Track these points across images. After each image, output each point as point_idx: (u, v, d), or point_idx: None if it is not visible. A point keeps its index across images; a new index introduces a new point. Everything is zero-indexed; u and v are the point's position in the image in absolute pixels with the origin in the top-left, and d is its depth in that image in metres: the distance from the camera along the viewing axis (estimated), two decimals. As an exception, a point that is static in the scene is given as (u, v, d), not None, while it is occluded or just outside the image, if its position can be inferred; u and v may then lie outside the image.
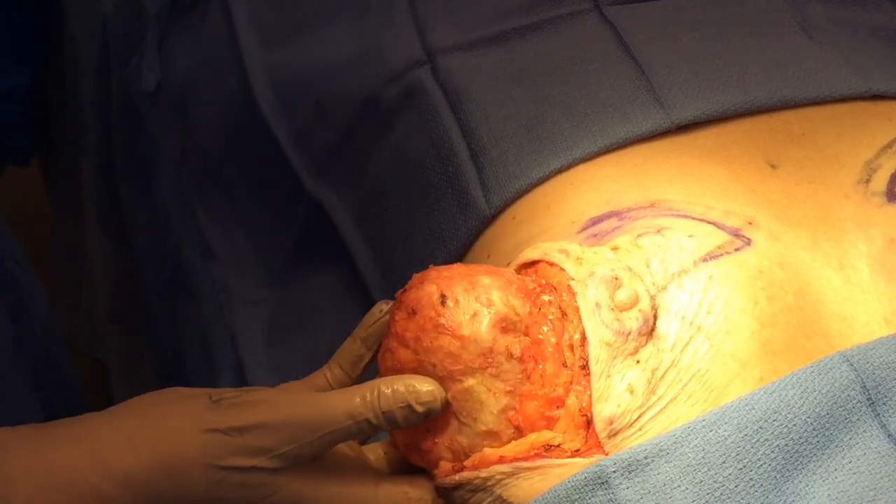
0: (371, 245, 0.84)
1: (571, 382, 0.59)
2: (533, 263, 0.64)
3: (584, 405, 0.59)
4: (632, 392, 0.59)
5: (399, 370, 0.61)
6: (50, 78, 1.28)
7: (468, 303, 0.60)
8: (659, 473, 0.55)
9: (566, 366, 0.60)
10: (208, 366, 0.95)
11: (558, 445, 0.59)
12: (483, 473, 0.59)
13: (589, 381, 0.59)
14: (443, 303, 0.60)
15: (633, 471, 0.55)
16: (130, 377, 1.33)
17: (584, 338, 0.60)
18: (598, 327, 0.60)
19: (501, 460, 0.59)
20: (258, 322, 0.90)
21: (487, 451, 0.60)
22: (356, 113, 0.86)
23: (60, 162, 1.35)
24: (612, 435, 0.58)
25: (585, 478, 0.56)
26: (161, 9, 1.02)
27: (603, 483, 0.55)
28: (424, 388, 0.60)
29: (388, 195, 0.83)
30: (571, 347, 0.60)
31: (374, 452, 0.66)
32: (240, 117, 0.93)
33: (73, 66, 1.21)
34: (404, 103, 0.83)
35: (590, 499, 0.55)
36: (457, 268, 0.62)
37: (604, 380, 0.59)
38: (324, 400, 0.61)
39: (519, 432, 0.59)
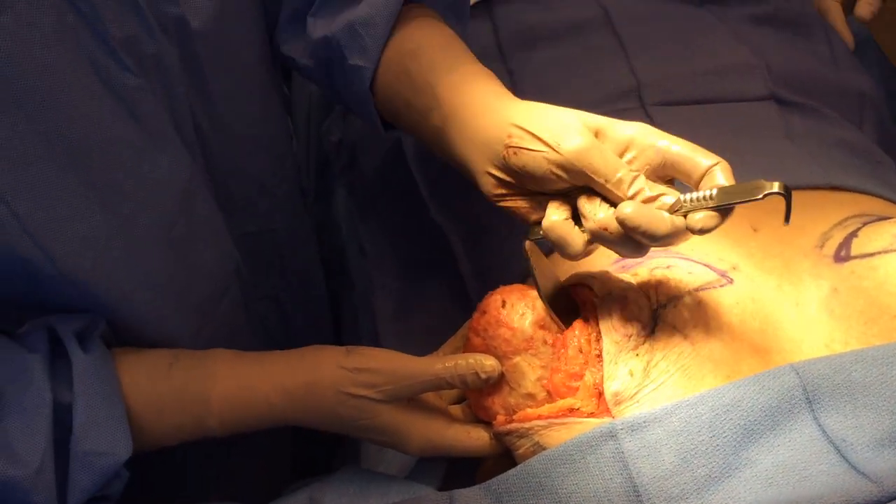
0: (471, 259, 0.84)
1: (587, 364, 0.59)
2: (573, 284, 0.64)
3: (597, 382, 0.59)
4: (631, 375, 0.58)
5: (474, 352, 0.63)
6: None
7: (519, 307, 0.62)
8: (653, 434, 0.55)
9: (582, 352, 0.60)
10: (354, 329, 0.96)
11: (579, 409, 0.59)
12: (526, 425, 0.60)
13: (602, 366, 0.59)
14: (503, 306, 0.62)
15: (634, 430, 0.55)
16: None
17: (599, 335, 0.60)
18: (609, 330, 0.60)
19: (540, 417, 0.60)
20: (390, 303, 0.91)
21: (529, 410, 0.60)
22: None
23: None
24: (617, 404, 0.58)
25: (601, 431, 0.56)
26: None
27: (613, 436, 0.55)
28: (488, 362, 0.61)
29: (486, 226, 0.83)
30: (589, 342, 0.60)
31: (455, 410, 0.66)
32: (392, 165, 0.94)
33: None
34: None
35: (602, 446, 0.55)
36: (516, 286, 0.64)
37: (612, 366, 0.59)
38: (418, 360, 0.62)
39: (550, 396, 0.60)
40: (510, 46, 0.92)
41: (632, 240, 0.55)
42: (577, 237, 0.57)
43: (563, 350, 0.60)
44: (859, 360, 0.56)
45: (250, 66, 0.73)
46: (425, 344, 0.69)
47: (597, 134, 0.58)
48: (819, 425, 0.55)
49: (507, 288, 0.63)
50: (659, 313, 0.60)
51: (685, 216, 0.54)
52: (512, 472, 0.58)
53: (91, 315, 0.61)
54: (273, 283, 0.85)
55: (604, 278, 0.63)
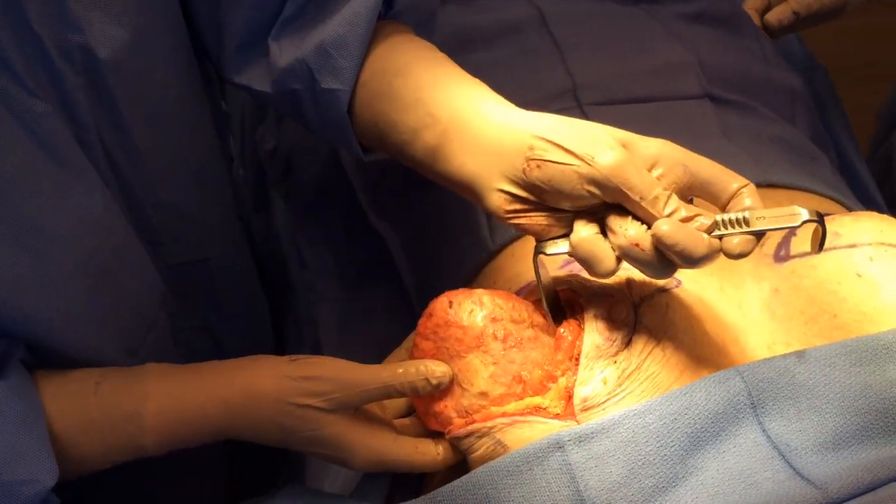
0: (413, 266, 0.82)
1: (566, 370, 0.58)
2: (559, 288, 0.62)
3: (570, 385, 0.57)
4: (605, 383, 0.56)
5: (423, 358, 0.60)
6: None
7: (467, 304, 0.59)
8: (600, 445, 0.53)
9: (571, 358, 0.58)
10: (298, 342, 0.94)
11: (545, 408, 0.57)
12: (489, 423, 0.58)
13: (577, 369, 0.57)
14: (450, 306, 0.60)
15: (582, 441, 0.53)
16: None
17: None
18: (592, 333, 0.57)
19: (504, 414, 0.57)
20: (333, 314, 0.88)
21: (494, 408, 0.58)
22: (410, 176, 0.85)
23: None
24: (584, 410, 0.56)
25: (548, 443, 0.54)
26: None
27: (560, 447, 0.53)
28: (438, 368, 0.59)
29: (427, 233, 0.81)
30: (577, 346, 0.58)
31: (402, 423, 0.64)
32: (329, 171, 0.91)
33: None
34: None
35: (549, 457, 0.53)
36: (461, 289, 0.61)
37: (587, 371, 0.57)
38: (367, 368, 0.60)
39: (524, 389, 0.58)
40: (445, 49, 0.89)
41: (663, 259, 0.52)
42: (609, 253, 0.53)
43: (552, 351, 0.58)
44: (802, 362, 0.55)
45: (172, 93, 0.68)
46: (369, 354, 0.67)
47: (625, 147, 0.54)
48: (763, 430, 0.54)
49: (452, 291, 0.61)
50: (638, 313, 0.58)
51: (719, 239, 0.52)
52: (457, 482, 0.56)
53: (7, 340, 0.57)
54: (204, 313, 0.81)
55: (581, 279, 0.60)
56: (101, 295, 0.62)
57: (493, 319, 0.59)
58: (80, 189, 0.59)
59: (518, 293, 0.65)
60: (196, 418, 0.58)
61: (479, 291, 0.60)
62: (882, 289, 0.58)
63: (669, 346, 0.57)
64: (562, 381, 0.57)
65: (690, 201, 0.55)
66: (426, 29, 0.73)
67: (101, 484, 0.64)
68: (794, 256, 0.62)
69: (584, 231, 0.54)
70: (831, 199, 0.76)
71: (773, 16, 1.03)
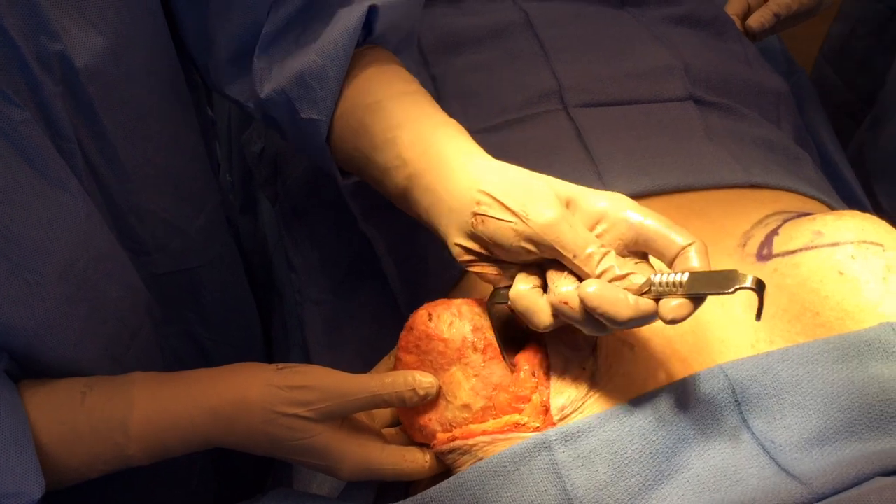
0: (399, 269, 0.81)
1: (536, 388, 0.57)
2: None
3: (544, 399, 0.57)
4: (577, 388, 0.56)
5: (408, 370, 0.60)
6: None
7: (446, 316, 0.59)
8: (586, 444, 0.53)
9: (535, 375, 0.57)
10: (285, 344, 0.93)
11: (524, 424, 0.56)
12: (470, 441, 0.57)
13: (549, 382, 0.57)
14: (430, 319, 0.59)
15: (568, 440, 0.53)
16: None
17: (547, 355, 0.58)
18: (557, 346, 0.57)
19: (484, 433, 0.57)
20: (320, 317, 0.87)
21: (473, 426, 0.58)
22: None
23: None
24: (563, 418, 0.56)
25: (534, 443, 0.54)
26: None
27: (547, 447, 0.53)
28: (426, 379, 0.58)
29: (414, 235, 0.79)
30: (541, 365, 0.58)
31: (389, 432, 0.63)
32: (316, 173, 0.90)
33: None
34: None
35: (536, 457, 0.53)
36: (440, 300, 0.61)
37: (559, 382, 0.57)
38: (354, 378, 0.59)
39: (494, 412, 0.57)
40: (433, 52, 0.90)
41: (592, 318, 0.51)
42: (544, 308, 0.53)
43: (514, 374, 0.58)
44: (785, 360, 0.55)
45: (153, 101, 0.67)
46: (357, 356, 0.66)
47: (568, 204, 0.54)
48: (748, 427, 0.54)
49: (431, 303, 0.61)
50: None
51: (656, 298, 0.50)
52: (444, 484, 0.56)
53: None
54: (190, 320, 0.80)
55: None
56: (81, 303, 0.62)
57: (473, 329, 0.59)
58: (60, 198, 0.58)
59: None
60: (183, 427, 0.57)
61: (457, 302, 0.60)
62: (863, 287, 0.58)
63: (639, 345, 0.57)
64: (535, 397, 0.57)
65: (645, 256, 0.54)
66: (406, 43, 0.72)
67: (88, 494, 0.63)
68: (776, 255, 0.62)
69: (522, 285, 0.55)
70: (814, 198, 0.76)
71: (755, 20, 1.04)
